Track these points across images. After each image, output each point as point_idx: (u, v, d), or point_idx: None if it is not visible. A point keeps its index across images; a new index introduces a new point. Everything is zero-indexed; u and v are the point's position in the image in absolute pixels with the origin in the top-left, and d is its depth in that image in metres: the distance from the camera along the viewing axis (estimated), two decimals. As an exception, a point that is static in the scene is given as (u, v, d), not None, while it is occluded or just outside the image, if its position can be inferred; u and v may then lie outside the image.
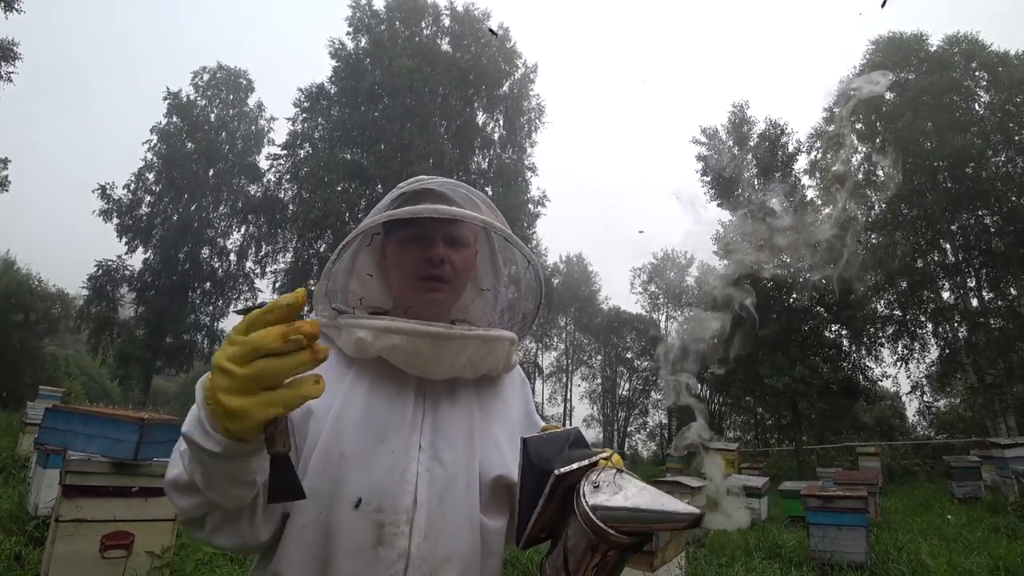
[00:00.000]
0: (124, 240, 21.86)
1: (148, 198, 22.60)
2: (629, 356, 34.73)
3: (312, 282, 21.92)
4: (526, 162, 24.82)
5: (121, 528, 3.52)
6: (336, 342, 0.96)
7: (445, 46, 24.36)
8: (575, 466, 0.76)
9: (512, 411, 1.05)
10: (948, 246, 20.83)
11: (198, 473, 0.74)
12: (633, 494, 0.71)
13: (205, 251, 23.35)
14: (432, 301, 0.98)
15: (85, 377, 31.69)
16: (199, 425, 0.70)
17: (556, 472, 0.74)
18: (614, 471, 0.75)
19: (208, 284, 23.33)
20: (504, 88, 24.76)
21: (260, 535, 0.83)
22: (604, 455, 0.80)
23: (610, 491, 0.72)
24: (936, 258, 21.08)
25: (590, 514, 0.70)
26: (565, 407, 34.60)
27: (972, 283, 20.36)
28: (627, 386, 34.51)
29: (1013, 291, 19.42)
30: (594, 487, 0.73)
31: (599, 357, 35.48)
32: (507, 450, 0.98)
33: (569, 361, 35.29)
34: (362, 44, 23.73)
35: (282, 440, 0.68)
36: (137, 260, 22.16)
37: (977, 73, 20.92)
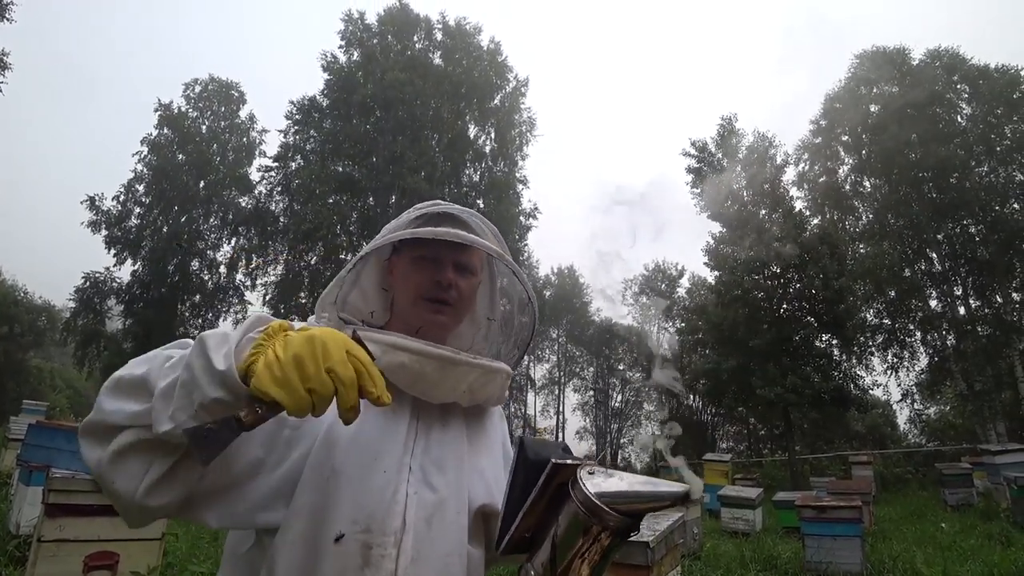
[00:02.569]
0: (113, 252, 21.65)
1: (138, 210, 22.44)
2: (621, 368, 34.72)
3: (303, 295, 21.78)
4: (517, 175, 24.93)
5: (105, 548, 3.44)
6: None
7: (437, 59, 24.52)
8: (571, 460, 0.79)
9: (494, 446, 1.07)
10: (935, 255, 21.13)
11: (168, 382, 0.71)
12: (627, 479, 0.76)
13: (195, 263, 23.16)
14: (437, 323, 0.99)
15: (71, 391, 31.21)
16: (215, 365, 0.68)
17: (553, 460, 0.77)
18: (605, 468, 0.78)
19: (198, 296, 23.12)
20: (495, 101, 24.91)
21: (150, 498, 0.75)
22: (591, 463, 0.82)
23: (604, 477, 0.75)
24: (923, 267, 21.36)
25: (590, 496, 0.72)
26: (558, 419, 34.48)
27: (959, 291, 20.63)
28: (619, 398, 34.47)
29: (999, 298, 19.70)
30: (589, 474, 0.76)
31: (591, 369, 35.45)
32: (491, 482, 0.99)
33: (561, 373, 35.23)
34: (354, 57, 23.84)
35: (252, 421, 0.66)
36: (126, 272, 21.95)
37: (959, 86, 21.37)
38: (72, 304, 21.91)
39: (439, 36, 25.02)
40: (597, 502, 0.71)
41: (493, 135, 25.03)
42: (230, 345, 0.70)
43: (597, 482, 0.74)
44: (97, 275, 21.57)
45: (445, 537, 0.88)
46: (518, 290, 1.12)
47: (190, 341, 0.77)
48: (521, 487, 0.79)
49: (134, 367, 0.78)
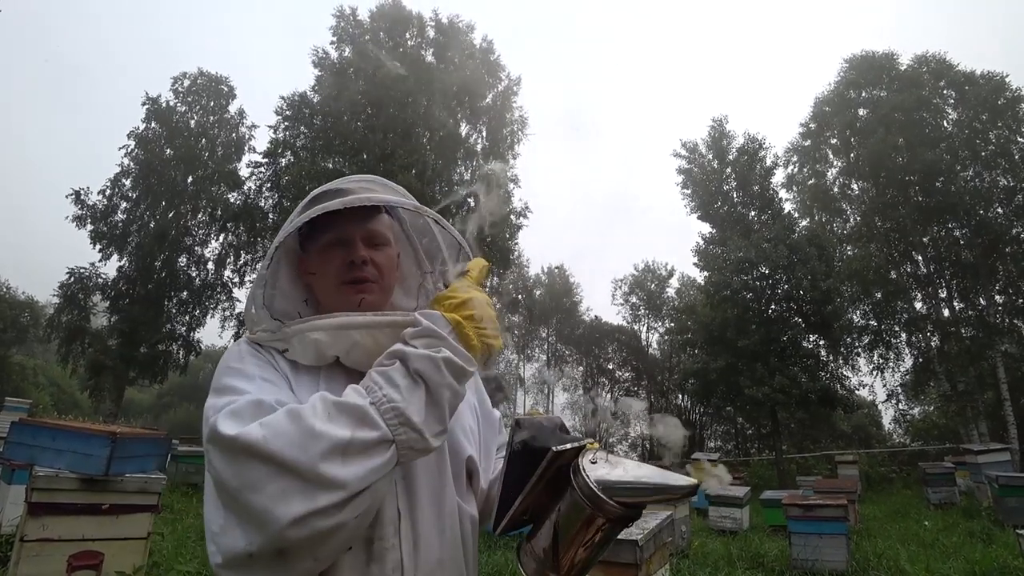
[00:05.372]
0: (98, 247, 21.32)
1: (124, 204, 22.10)
2: (611, 367, 34.86)
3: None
4: (509, 174, 24.86)
5: (90, 547, 3.39)
6: (285, 355, 0.90)
7: (429, 57, 24.43)
8: (569, 445, 0.77)
9: (470, 397, 1.04)
10: (920, 258, 21.42)
11: (421, 403, 0.75)
12: (631, 468, 0.74)
13: (182, 259, 22.88)
14: (364, 304, 0.94)
15: (54, 388, 30.79)
16: (461, 354, 0.81)
17: (553, 448, 0.75)
18: (607, 452, 0.77)
19: (185, 293, 22.83)
20: (487, 100, 24.86)
21: None
22: (590, 440, 0.82)
23: (608, 467, 0.74)
24: (909, 269, 21.64)
25: (591, 486, 0.70)
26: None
27: (943, 293, 20.94)
28: (609, 397, 34.60)
29: (982, 301, 20.00)
30: (592, 463, 0.74)
31: (581, 368, 35.55)
32: (472, 435, 0.99)
33: (551, 372, 35.30)
34: (346, 54, 23.68)
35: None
36: (111, 268, 21.62)
37: (945, 91, 21.67)
38: (56, 300, 21.52)
39: (431, 33, 24.93)
40: (600, 494, 0.70)
41: (485, 134, 24.99)
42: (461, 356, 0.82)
43: (601, 473, 0.72)
44: (82, 270, 21.21)
45: (440, 514, 0.87)
46: (434, 228, 1.04)
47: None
48: (519, 470, 0.77)
49: (341, 431, 0.70)
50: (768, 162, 22.67)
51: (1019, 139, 20.08)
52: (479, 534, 0.98)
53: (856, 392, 21.26)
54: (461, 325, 0.82)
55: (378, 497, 0.74)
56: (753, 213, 22.02)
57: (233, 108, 24.60)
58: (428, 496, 0.87)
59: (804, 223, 22.68)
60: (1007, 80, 20.34)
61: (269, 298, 0.97)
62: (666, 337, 33.04)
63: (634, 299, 34.64)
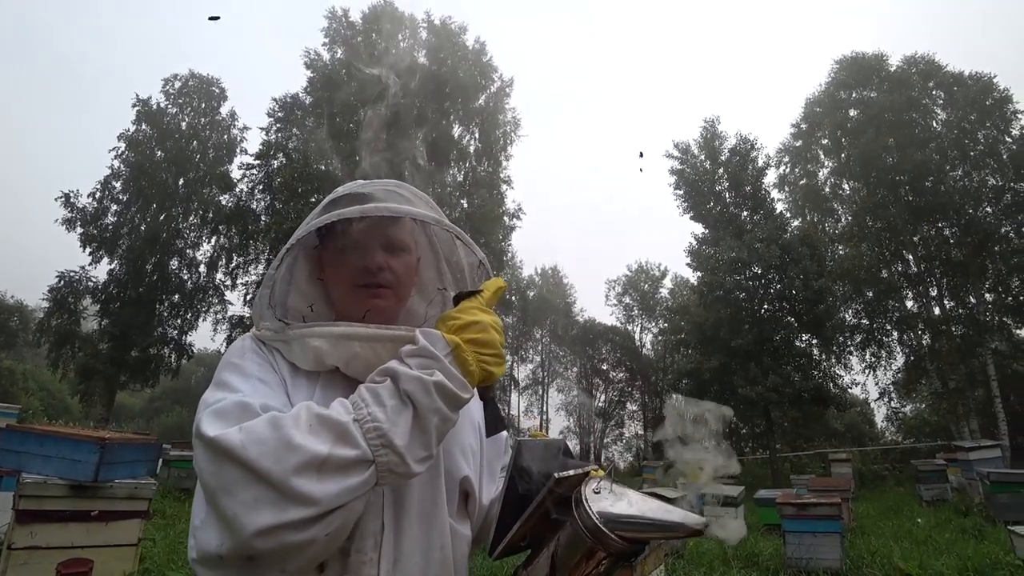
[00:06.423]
0: (88, 250, 21.12)
1: (114, 207, 21.92)
2: (604, 368, 34.92)
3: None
4: (501, 175, 24.89)
5: (79, 555, 3.35)
6: (286, 356, 0.89)
7: (422, 59, 24.40)
8: (572, 472, 0.74)
9: (474, 415, 1.01)
10: (911, 257, 21.61)
11: (406, 426, 0.73)
12: (636, 502, 0.71)
13: (174, 262, 22.71)
14: (376, 309, 0.92)
15: (44, 393, 30.46)
16: (456, 380, 0.77)
17: (556, 475, 0.72)
18: (611, 481, 0.74)
19: (176, 296, 22.66)
20: (480, 101, 24.87)
21: None
22: (594, 467, 0.79)
23: (612, 498, 0.71)
24: (900, 268, 21.83)
25: (594, 519, 0.68)
26: (541, 419, 34.55)
27: (934, 292, 21.13)
28: (603, 397, 34.67)
29: (972, 299, 20.21)
30: (595, 493, 0.71)
31: (575, 369, 35.59)
32: (471, 455, 0.96)
33: (545, 373, 35.32)
34: (338, 55, 23.62)
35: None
36: (102, 271, 21.43)
37: (934, 92, 21.88)
38: (45, 304, 21.32)
39: (424, 35, 24.91)
40: (603, 527, 0.67)
41: (477, 135, 24.99)
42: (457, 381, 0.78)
43: (604, 505, 0.69)
44: (72, 274, 21.01)
45: (428, 533, 0.84)
46: (460, 248, 1.03)
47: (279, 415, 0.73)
48: (517, 495, 0.75)
49: (319, 447, 0.68)
50: (760, 162, 22.81)
51: (1007, 139, 20.31)
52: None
53: (849, 390, 21.43)
54: (460, 348, 0.79)
55: (353, 515, 0.72)
56: (745, 213, 22.14)
57: (224, 110, 24.47)
58: (418, 513, 0.84)
59: (796, 223, 22.82)
60: (995, 81, 20.59)
61: (281, 296, 0.95)
62: (660, 337, 33.16)
63: (628, 300, 34.74)
